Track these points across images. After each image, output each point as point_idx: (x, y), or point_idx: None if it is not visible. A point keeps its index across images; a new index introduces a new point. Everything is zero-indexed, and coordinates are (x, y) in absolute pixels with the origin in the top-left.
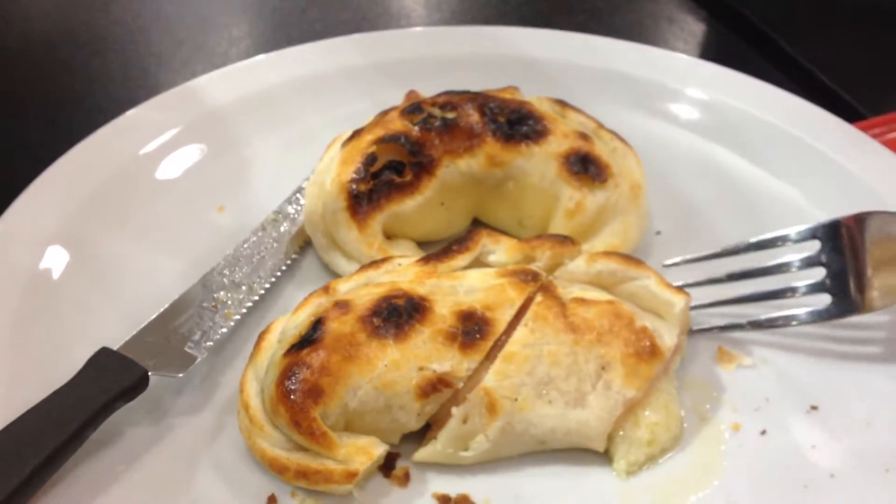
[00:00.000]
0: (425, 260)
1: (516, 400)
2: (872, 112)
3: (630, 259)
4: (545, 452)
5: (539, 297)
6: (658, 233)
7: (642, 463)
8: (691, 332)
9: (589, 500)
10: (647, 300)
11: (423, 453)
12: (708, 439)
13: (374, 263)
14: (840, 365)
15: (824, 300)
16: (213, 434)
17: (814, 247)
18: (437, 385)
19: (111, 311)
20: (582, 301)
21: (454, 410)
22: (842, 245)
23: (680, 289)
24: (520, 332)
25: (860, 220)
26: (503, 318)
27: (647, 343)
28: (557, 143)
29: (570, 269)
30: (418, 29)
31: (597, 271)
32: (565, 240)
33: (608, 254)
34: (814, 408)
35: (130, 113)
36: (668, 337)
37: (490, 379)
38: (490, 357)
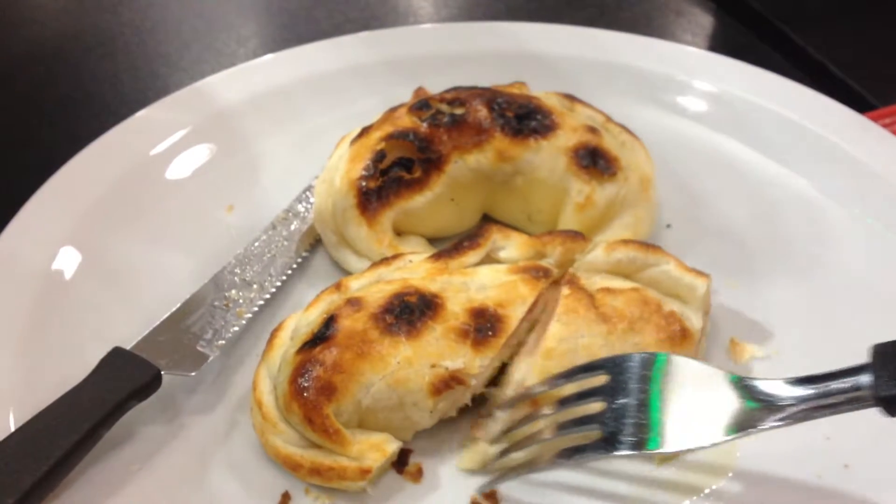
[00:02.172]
0: (436, 257)
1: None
2: (883, 102)
3: (648, 245)
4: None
5: (566, 290)
6: (668, 226)
7: None
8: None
9: (604, 493)
10: (669, 285)
11: (470, 460)
12: None
13: (386, 260)
14: (853, 354)
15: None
16: (227, 432)
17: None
18: (449, 382)
19: (123, 310)
20: (608, 290)
21: (498, 412)
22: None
23: (699, 271)
24: (554, 328)
25: None
26: (515, 314)
27: (678, 327)
28: (566, 138)
29: (590, 259)
30: (426, 26)
31: (616, 260)
32: (576, 235)
33: (626, 242)
34: None
35: (140, 114)
36: (694, 320)
37: (531, 378)
38: (502, 354)
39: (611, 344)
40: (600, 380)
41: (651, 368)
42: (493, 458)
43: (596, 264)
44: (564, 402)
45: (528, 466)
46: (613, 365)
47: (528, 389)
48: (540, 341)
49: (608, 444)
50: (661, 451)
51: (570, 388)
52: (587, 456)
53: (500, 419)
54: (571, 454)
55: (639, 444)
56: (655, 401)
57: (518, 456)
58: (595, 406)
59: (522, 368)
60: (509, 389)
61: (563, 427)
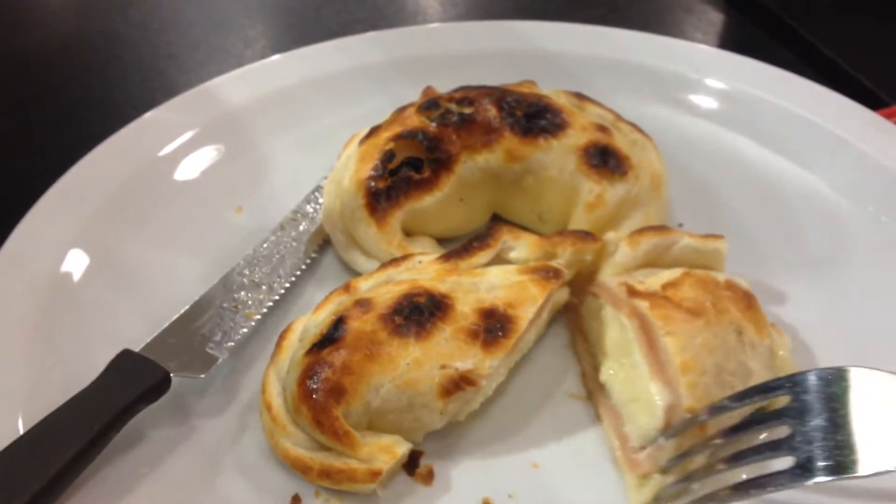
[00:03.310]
0: (446, 257)
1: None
2: (894, 99)
3: (661, 228)
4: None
5: (645, 303)
6: (680, 225)
7: None
8: None
9: (616, 496)
10: (694, 258)
11: (644, 494)
12: None
13: (395, 261)
14: (867, 355)
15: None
16: (236, 434)
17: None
18: (459, 383)
19: (132, 313)
20: (671, 285)
21: (663, 441)
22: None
23: (712, 235)
24: (669, 343)
25: None
26: (525, 315)
27: (741, 293)
28: (576, 136)
29: (619, 260)
30: (434, 25)
31: (644, 252)
32: (587, 236)
33: (641, 231)
34: None
35: (148, 115)
36: (739, 279)
37: (686, 397)
38: (512, 354)
39: (716, 333)
40: (781, 401)
41: (837, 385)
42: (668, 490)
43: (627, 263)
44: (739, 427)
45: (713, 499)
46: (793, 384)
47: (696, 415)
48: (661, 362)
49: (804, 470)
50: (864, 474)
51: (746, 412)
52: (783, 485)
53: (666, 447)
54: (764, 485)
55: (839, 469)
56: (847, 419)
57: (695, 487)
58: (781, 430)
59: (664, 395)
60: (659, 417)
61: (743, 455)
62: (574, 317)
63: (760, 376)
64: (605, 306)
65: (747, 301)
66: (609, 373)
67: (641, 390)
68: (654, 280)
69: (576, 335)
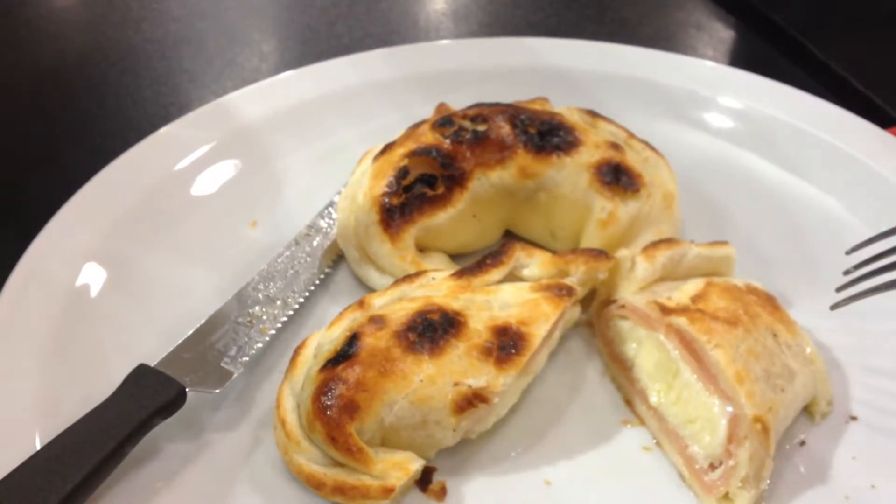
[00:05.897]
0: (459, 274)
1: (771, 409)
2: None
3: (671, 240)
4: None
5: (683, 319)
6: (692, 242)
7: None
8: None
9: None
10: (705, 266)
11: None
12: None
13: (408, 278)
14: (879, 375)
15: None
16: (251, 449)
17: None
18: (472, 400)
19: (148, 327)
20: (700, 297)
21: (738, 450)
22: None
23: (718, 241)
24: (718, 356)
25: None
26: (538, 332)
27: (765, 294)
28: (589, 154)
29: (640, 275)
30: (447, 41)
31: (661, 265)
32: (599, 254)
33: (654, 245)
34: (853, 418)
35: (164, 130)
36: (755, 282)
37: (748, 407)
38: (525, 372)
39: (756, 339)
40: None
41: None
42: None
43: (647, 278)
44: None
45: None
46: None
47: None
48: (713, 376)
49: None
50: None
51: None
52: None
53: (739, 462)
54: None
55: None
56: None
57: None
58: None
59: (726, 408)
60: (723, 433)
61: None
62: (602, 344)
63: (802, 374)
64: (636, 328)
65: (772, 303)
66: (659, 396)
67: (699, 409)
68: (681, 294)
69: (609, 362)
